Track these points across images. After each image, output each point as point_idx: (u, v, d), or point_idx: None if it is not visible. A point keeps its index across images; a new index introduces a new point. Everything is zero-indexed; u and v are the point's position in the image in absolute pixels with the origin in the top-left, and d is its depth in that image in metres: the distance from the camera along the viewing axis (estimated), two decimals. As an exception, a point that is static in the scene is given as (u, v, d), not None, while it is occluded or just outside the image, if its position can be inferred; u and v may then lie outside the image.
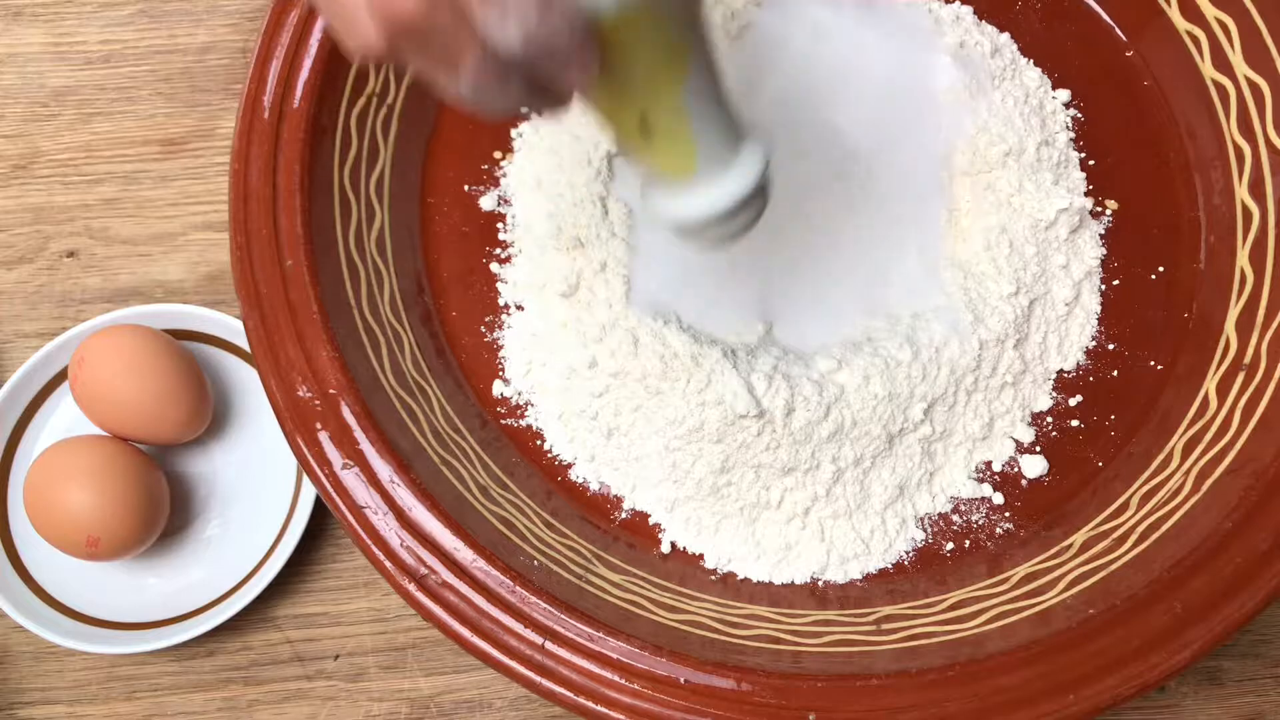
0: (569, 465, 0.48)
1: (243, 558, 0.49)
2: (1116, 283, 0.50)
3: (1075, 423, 0.48)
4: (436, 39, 0.27)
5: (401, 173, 0.50)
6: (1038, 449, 0.48)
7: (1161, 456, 0.46)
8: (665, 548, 0.46)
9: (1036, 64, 0.52)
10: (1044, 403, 0.48)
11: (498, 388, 0.49)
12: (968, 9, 0.53)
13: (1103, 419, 0.48)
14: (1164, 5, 0.51)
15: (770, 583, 0.46)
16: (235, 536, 0.50)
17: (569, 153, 0.49)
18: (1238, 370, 0.46)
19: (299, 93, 0.45)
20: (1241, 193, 0.48)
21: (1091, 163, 0.51)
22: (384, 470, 0.41)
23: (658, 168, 0.36)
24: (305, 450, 0.41)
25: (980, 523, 0.47)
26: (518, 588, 0.40)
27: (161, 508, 0.47)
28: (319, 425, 0.41)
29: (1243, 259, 0.48)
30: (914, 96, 0.49)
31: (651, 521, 0.47)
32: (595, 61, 0.29)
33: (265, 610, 0.50)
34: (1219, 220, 0.49)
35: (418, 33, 0.27)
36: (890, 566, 0.46)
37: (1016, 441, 0.48)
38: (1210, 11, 0.49)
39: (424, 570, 0.40)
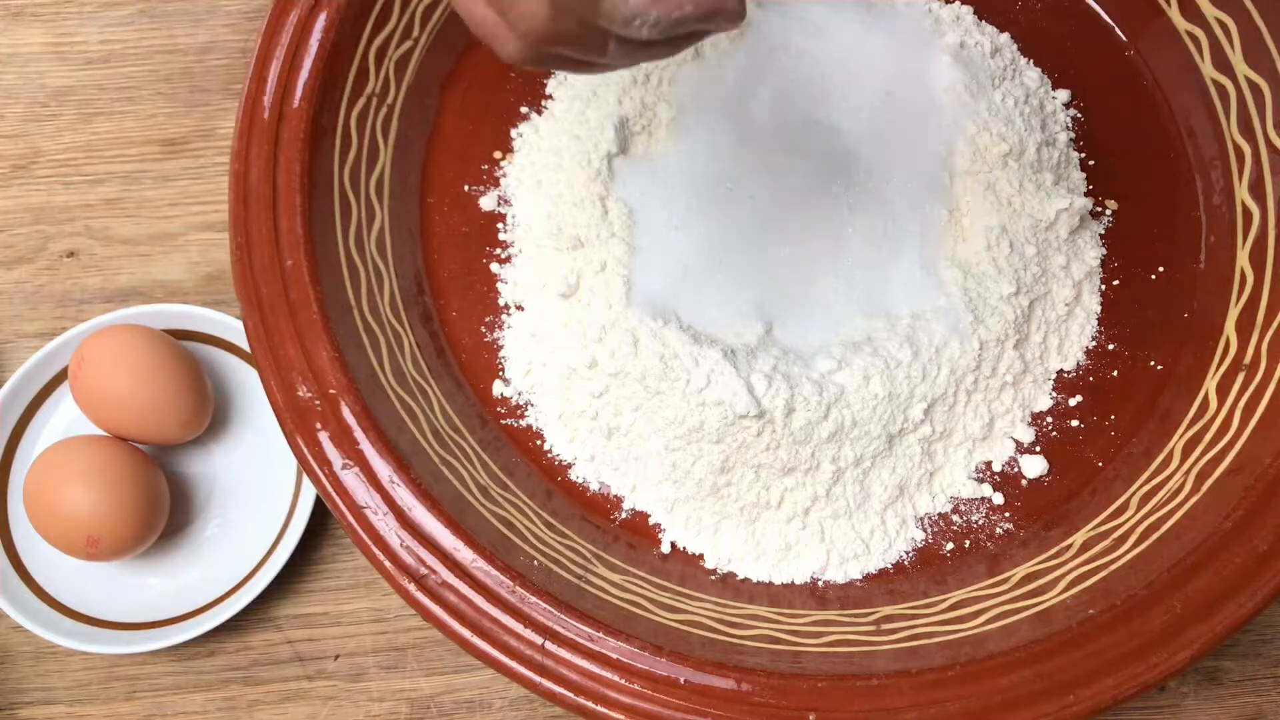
0: (569, 465, 0.48)
1: (243, 558, 0.49)
2: (1116, 283, 0.50)
3: (1075, 423, 0.48)
4: (573, 43, 0.31)
5: (401, 173, 0.50)
6: (1038, 449, 0.48)
7: (1161, 456, 0.46)
8: (665, 548, 0.46)
9: (1036, 64, 0.52)
10: (1044, 403, 0.48)
11: (498, 388, 0.49)
12: (968, 9, 0.53)
13: (1103, 419, 0.48)
14: (1164, 5, 0.51)
15: (770, 583, 0.46)
16: (235, 536, 0.50)
17: (569, 153, 0.49)
18: (1238, 370, 0.46)
19: (299, 93, 0.45)
20: (1241, 193, 0.48)
21: (1091, 163, 0.51)
22: (384, 470, 0.41)
23: None
24: (305, 450, 0.41)
25: (980, 523, 0.47)
26: (518, 588, 0.40)
27: (161, 508, 0.47)
28: (319, 425, 0.41)
29: (1243, 259, 0.48)
30: (914, 96, 0.49)
31: (651, 521, 0.47)
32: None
33: (265, 610, 0.50)
34: (1219, 220, 0.49)
35: (554, 41, 0.30)
36: (890, 566, 0.46)
37: (1016, 441, 0.48)
38: (1210, 11, 0.49)
39: (424, 570, 0.40)
